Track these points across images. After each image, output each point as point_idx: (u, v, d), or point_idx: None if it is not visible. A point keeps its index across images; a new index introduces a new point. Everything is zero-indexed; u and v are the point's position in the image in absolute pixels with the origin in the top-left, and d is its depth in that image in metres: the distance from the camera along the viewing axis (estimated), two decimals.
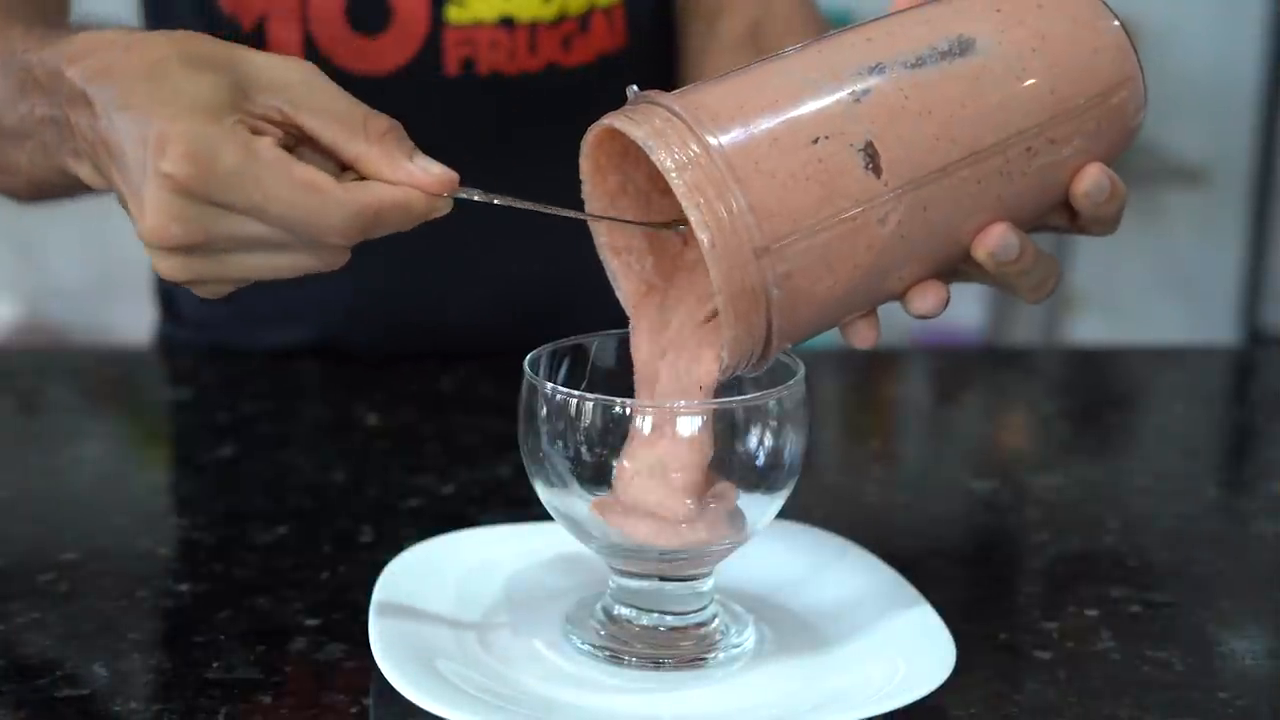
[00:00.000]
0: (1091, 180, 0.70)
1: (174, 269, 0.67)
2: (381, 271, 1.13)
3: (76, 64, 0.69)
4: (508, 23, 1.06)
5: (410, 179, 0.67)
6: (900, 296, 0.70)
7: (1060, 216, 0.72)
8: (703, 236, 0.64)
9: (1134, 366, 1.28)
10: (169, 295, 1.24)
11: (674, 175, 0.64)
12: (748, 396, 0.70)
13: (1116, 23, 0.70)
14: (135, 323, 2.16)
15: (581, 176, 0.71)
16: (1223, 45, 2.82)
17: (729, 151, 0.64)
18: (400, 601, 0.73)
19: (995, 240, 0.68)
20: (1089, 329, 2.92)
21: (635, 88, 0.69)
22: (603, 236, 0.73)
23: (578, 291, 1.17)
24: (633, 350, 0.72)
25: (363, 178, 0.67)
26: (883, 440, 1.11)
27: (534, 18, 1.06)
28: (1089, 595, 0.81)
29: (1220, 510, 0.97)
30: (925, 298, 0.70)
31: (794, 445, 0.71)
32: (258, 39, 1.06)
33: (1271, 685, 0.73)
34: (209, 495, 0.93)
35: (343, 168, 0.67)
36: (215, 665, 0.71)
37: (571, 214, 0.70)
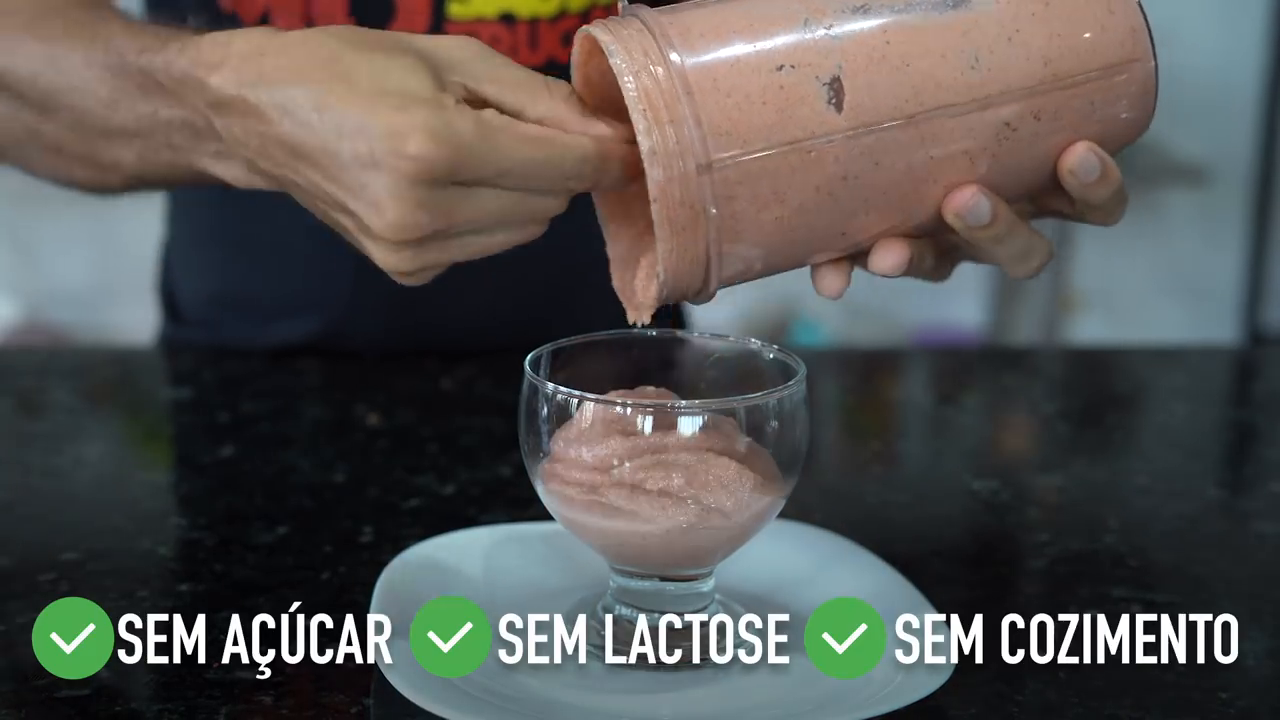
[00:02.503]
0: (1078, 157, 0.68)
1: (403, 261, 0.68)
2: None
3: (220, 70, 0.69)
4: (508, 18, 1.06)
5: (601, 131, 0.68)
6: (865, 250, 0.69)
7: (1058, 200, 0.71)
8: (644, 142, 0.64)
9: (1134, 366, 1.28)
10: (170, 295, 1.24)
11: (627, 79, 0.65)
12: (748, 396, 0.70)
13: (1136, 1, 0.68)
14: (136, 323, 2.16)
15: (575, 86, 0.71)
16: (1223, 45, 2.82)
17: (688, 65, 0.65)
18: (401, 602, 0.72)
19: (963, 201, 0.67)
20: (1090, 329, 2.92)
21: (626, 1, 0.69)
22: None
23: (578, 291, 1.17)
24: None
25: None
26: (883, 440, 1.11)
27: (534, 13, 1.06)
28: (1089, 595, 0.81)
29: (1220, 510, 0.97)
30: (884, 255, 0.69)
31: (794, 445, 0.71)
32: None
33: (1271, 685, 0.73)
34: (209, 495, 0.93)
35: None
36: (215, 665, 0.71)
37: None
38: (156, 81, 0.74)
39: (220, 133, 0.71)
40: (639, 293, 0.71)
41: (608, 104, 0.71)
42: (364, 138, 0.65)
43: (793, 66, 0.65)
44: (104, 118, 0.79)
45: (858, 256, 0.70)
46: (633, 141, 0.66)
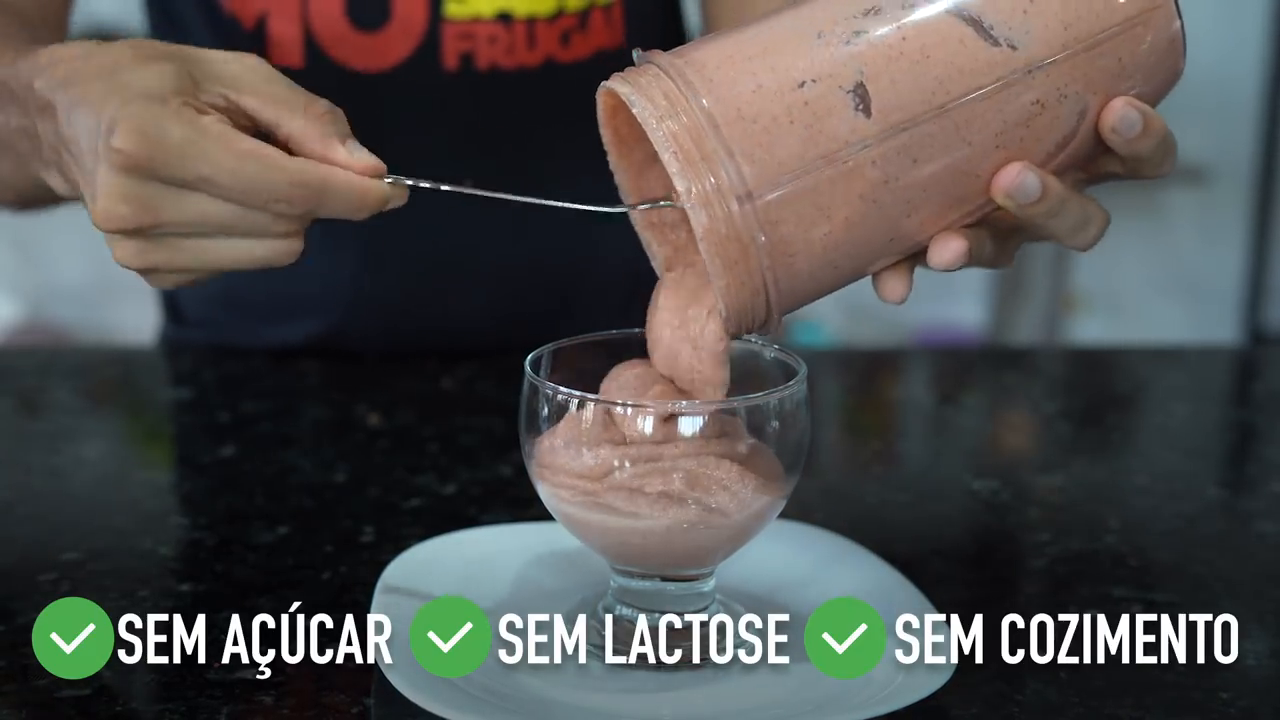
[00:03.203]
0: (1117, 114, 0.67)
1: (129, 255, 0.68)
2: (383, 268, 1.13)
3: (42, 75, 0.71)
4: (505, 18, 1.07)
5: (336, 159, 0.68)
6: (923, 248, 0.68)
7: (1109, 162, 0.71)
8: (680, 184, 0.64)
9: (1135, 366, 1.28)
10: (171, 295, 1.24)
11: (653, 125, 0.65)
12: (748, 396, 0.70)
13: None
14: (136, 323, 2.16)
15: (605, 146, 0.71)
16: (1224, 45, 2.82)
17: (710, 100, 0.65)
18: (401, 602, 0.73)
19: (1010, 180, 0.66)
20: (1090, 329, 2.92)
21: (640, 50, 0.69)
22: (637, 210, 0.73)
23: (578, 291, 1.17)
24: (652, 329, 0.72)
25: None
26: (883, 440, 1.11)
27: (531, 13, 1.07)
28: (1089, 595, 0.81)
29: (1221, 510, 0.97)
30: (942, 249, 0.68)
31: (795, 445, 0.71)
32: (258, 36, 1.06)
33: (1272, 685, 0.73)
34: (210, 495, 0.93)
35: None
36: (216, 665, 0.71)
37: (526, 200, 0.71)
38: (9, 90, 0.75)
39: (40, 136, 0.72)
40: (708, 337, 0.70)
41: (644, 154, 0.71)
42: (94, 131, 0.67)
43: (814, 81, 0.65)
44: None
45: (917, 256, 0.69)
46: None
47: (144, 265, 0.69)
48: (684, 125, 0.64)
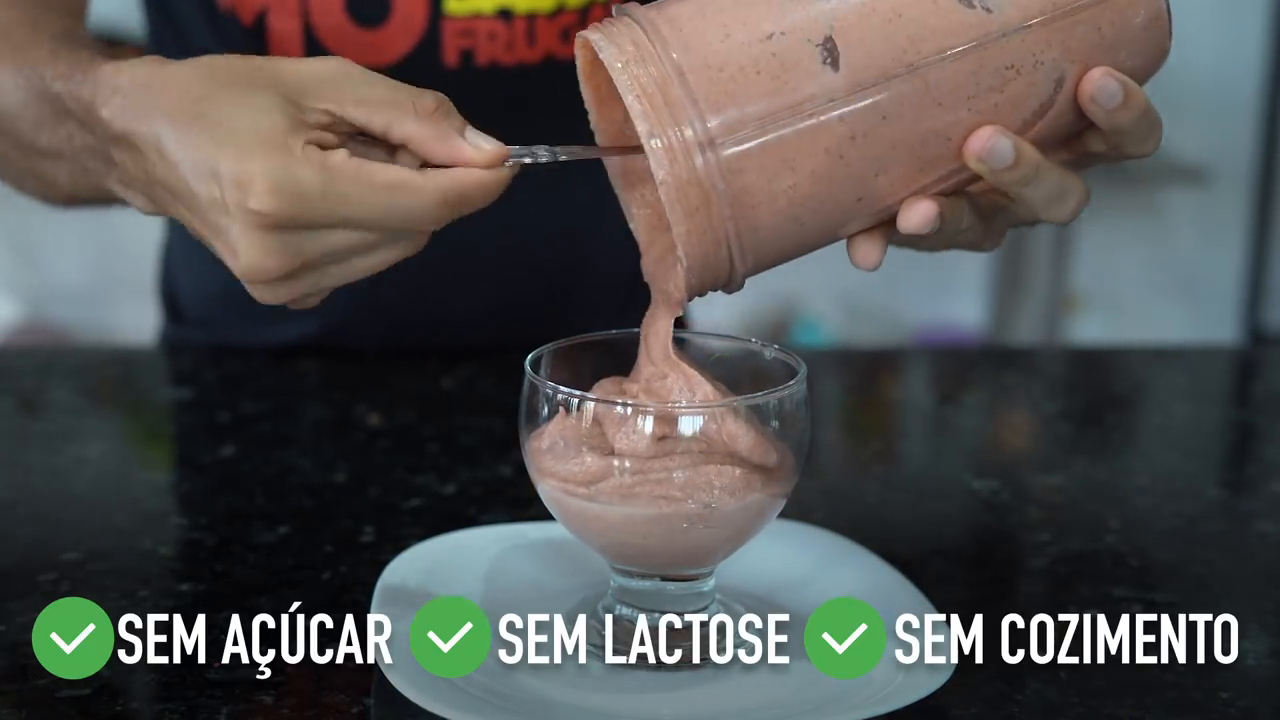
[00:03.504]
0: (1096, 84, 0.67)
1: (275, 295, 0.69)
2: None
3: (108, 105, 0.70)
4: (505, 14, 1.07)
5: (461, 157, 0.68)
6: (893, 214, 0.68)
7: (1092, 139, 0.70)
8: (642, 128, 0.64)
9: (1135, 366, 1.28)
10: (171, 294, 1.24)
11: (618, 70, 0.65)
12: (748, 396, 0.70)
13: None
14: (136, 322, 2.16)
15: (586, 105, 0.71)
16: (1223, 45, 2.82)
17: (678, 48, 0.65)
18: (401, 601, 0.73)
19: (981, 144, 0.66)
20: (1090, 329, 2.92)
21: (618, 4, 0.69)
22: (615, 168, 0.73)
23: (578, 290, 1.17)
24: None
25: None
26: (883, 440, 1.11)
27: (531, 9, 1.07)
28: (1090, 595, 0.81)
29: (1221, 510, 0.97)
30: (910, 213, 0.67)
31: (795, 445, 0.71)
32: (257, 32, 1.06)
33: (1272, 685, 0.73)
34: (210, 495, 0.93)
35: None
36: (216, 665, 0.71)
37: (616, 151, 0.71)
38: (67, 108, 0.75)
39: (117, 163, 0.72)
40: (671, 288, 0.71)
41: (623, 112, 0.71)
42: (216, 183, 0.66)
43: (783, 33, 0.65)
44: (33, 138, 0.80)
45: (891, 225, 0.69)
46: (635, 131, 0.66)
47: (290, 298, 0.69)
48: (650, 72, 0.65)
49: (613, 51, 0.66)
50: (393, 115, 0.67)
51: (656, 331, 0.71)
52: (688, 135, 0.64)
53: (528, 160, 0.69)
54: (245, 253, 0.66)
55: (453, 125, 0.68)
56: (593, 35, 0.67)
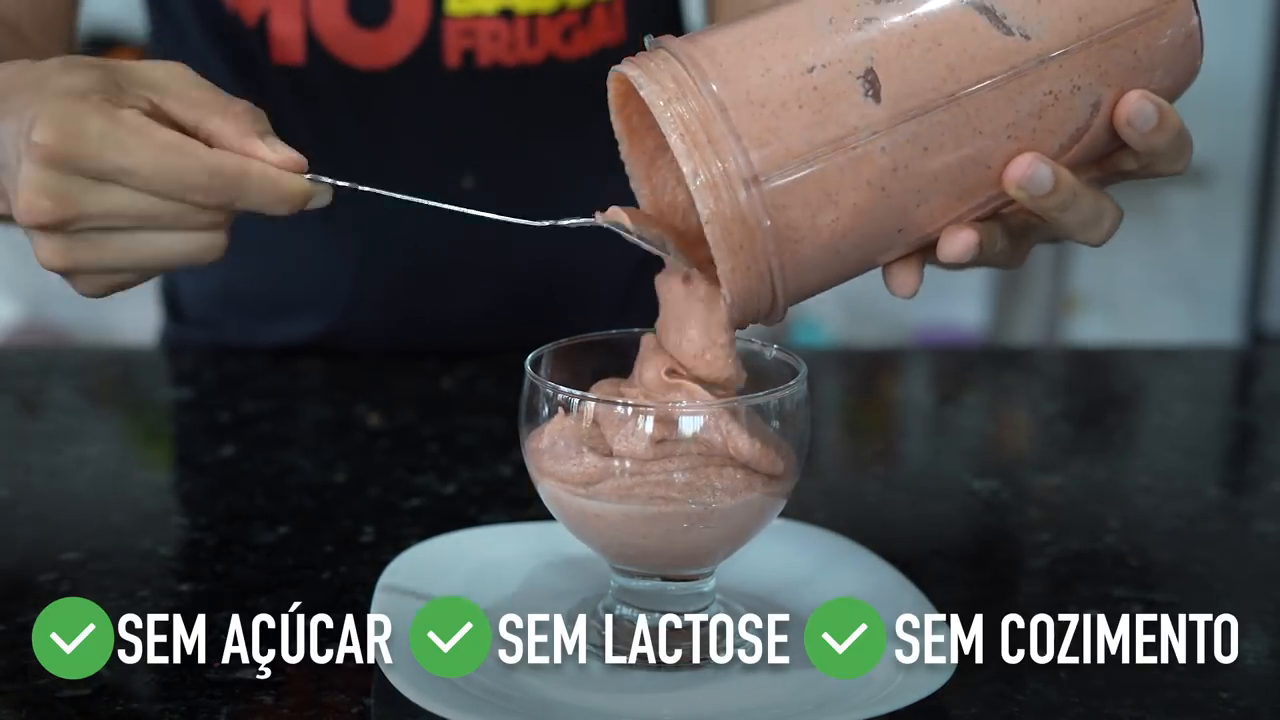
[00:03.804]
0: (1132, 107, 0.67)
1: (52, 253, 0.69)
2: (382, 264, 1.13)
3: None
4: (507, 14, 1.07)
5: (255, 152, 0.69)
6: (933, 242, 0.68)
7: (1124, 158, 0.70)
8: (686, 166, 0.64)
9: (1135, 366, 1.28)
10: (171, 294, 1.24)
11: (660, 107, 0.65)
12: (748, 396, 0.70)
13: None
14: (136, 322, 2.16)
15: (616, 136, 0.71)
16: (1224, 45, 2.82)
17: (719, 84, 0.65)
18: (402, 601, 0.73)
19: (1022, 171, 0.66)
20: (1090, 329, 2.92)
21: (651, 35, 0.69)
22: (626, 146, 0.73)
23: (578, 290, 1.17)
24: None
25: None
26: (883, 440, 1.11)
27: (533, 9, 1.07)
28: (1090, 595, 0.81)
29: (1221, 510, 0.97)
30: (951, 242, 0.67)
31: (795, 445, 0.71)
32: (260, 33, 1.06)
33: (1272, 685, 0.73)
34: (210, 495, 0.93)
35: None
36: (216, 665, 0.71)
37: (436, 205, 0.72)
38: None
39: None
40: (714, 325, 0.70)
41: (655, 144, 0.71)
42: (16, 134, 0.68)
43: (824, 66, 0.65)
44: None
45: (927, 250, 0.69)
46: None
47: (68, 264, 0.69)
48: (691, 109, 0.64)
49: (654, 89, 0.65)
50: (203, 112, 0.69)
51: (651, 365, 0.71)
52: (731, 171, 0.64)
53: (327, 181, 0.70)
54: (22, 189, 0.67)
55: (255, 127, 0.70)
56: (630, 71, 0.66)
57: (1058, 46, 0.66)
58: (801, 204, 0.65)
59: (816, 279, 0.67)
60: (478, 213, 0.71)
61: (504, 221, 0.71)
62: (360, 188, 0.71)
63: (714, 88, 0.64)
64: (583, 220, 0.71)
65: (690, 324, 0.70)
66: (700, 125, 0.64)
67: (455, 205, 0.71)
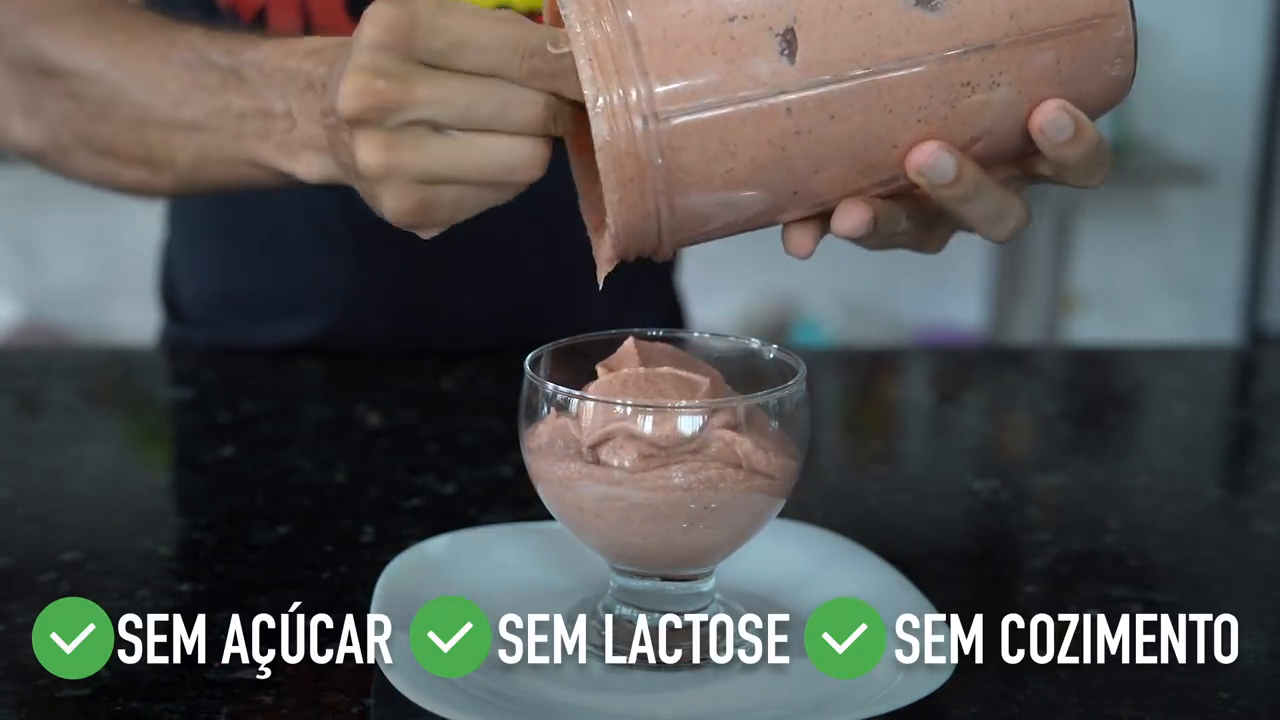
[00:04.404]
0: (1047, 115, 0.66)
1: (372, 150, 0.68)
2: (382, 266, 1.13)
3: (311, 59, 0.75)
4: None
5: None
6: (829, 209, 0.68)
7: (1041, 162, 0.70)
8: (589, 91, 0.64)
9: (1135, 366, 1.28)
10: (171, 294, 1.24)
11: (576, 29, 0.65)
12: (748, 396, 0.70)
13: None
14: (136, 322, 2.16)
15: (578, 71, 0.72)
16: (1224, 45, 2.82)
17: (637, 15, 0.65)
18: (402, 601, 0.72)
19: (924, 158, 0.66)
20: (1090, 329, 2.92)
21: None
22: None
23: (578, 290, 1.17)
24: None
25: None
26: (883, 440, 1.11)
27: (530, 7, 1.07)
28: (1090, 595, 0.81)
29: (1221, 510, 0.97)
30: (844, 216, 0.67)
31: (795, 445, 0.71)
32: (257, 29, 1.06)
33: (1272, 685, 0.73)
34: (210, 495, 0.93)
35: None
36: (215, 665, 0.71)
37: None
38: (241, 76, 0.79)
39: (296, 118, 0.75)
40: (597, 251, 0.71)
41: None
42: (358, 33, 0.68)
43: (745, 18, 0.65)
44: (169, 113, 0.83)
45: (828, 219, 0.69)
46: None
47: (388, 163, 0.68)
48: (606, 35, 0.65)
49: (574, 9, 0.66)
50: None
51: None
52: (631, 104, 0.64)
53: None
54: (351, 75, 0.66)
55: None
56: None
57: (984, 39, 0.65)
58: (698, 149, 0.64)
59: (705, 226, 0.67)
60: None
61: None
62: None
63: (631, 17, 0.65)
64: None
65: None
66: (611, 52, 0.64)
67: None
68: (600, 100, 0.64)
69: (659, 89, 0.64)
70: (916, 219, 0.71)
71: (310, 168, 0.76)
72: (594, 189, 0.72)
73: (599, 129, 0.64)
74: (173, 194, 0.96)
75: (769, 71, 0.64)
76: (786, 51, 0.64)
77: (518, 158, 0.69)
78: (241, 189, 0.85)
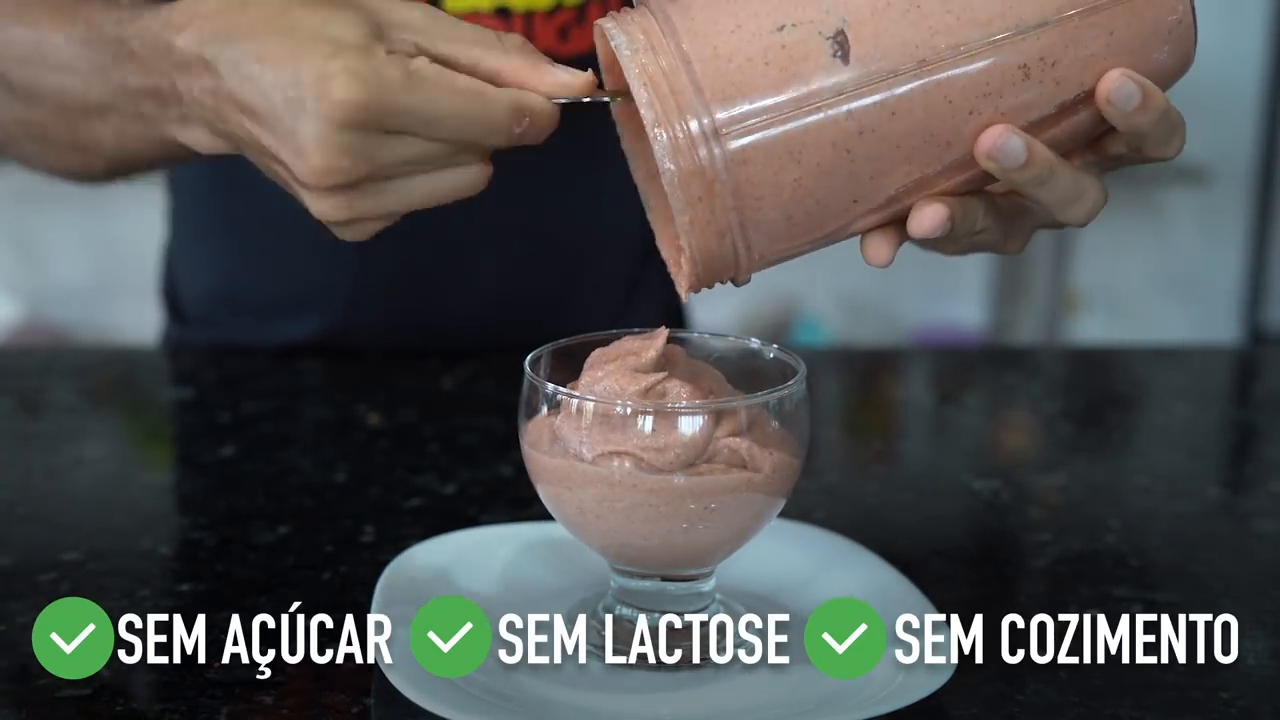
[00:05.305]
0: (1113, 85, 0.65)
1: (334, 209, 0.68)
2: (382, 265, 1.13)
3: (185, 31, 0.70)
4: (503, 11, 1.07)
5: (557, 81, 0.69)
6: (904, 212, 0.67)
7: (1113, 142, 0.69)
8: (647, 115, 0.64)
9: (1135, 366, 1.28)
10: (172, 294, 1.24)
11: (627, 57, 0.65)
12: (748, 397, 0.70)
13: None
14: (137, 322, 2.16)
15: (610, 97, 0.72)
16: (1223, 45, 2.82)
17: (687, 37, 0.65)
18: (402, 601, 0.72)
19: (992, 142, 0.65)
20: (1090, 328, 2.92)
21: None
22: (636, 162, 0.73)
23: (578, 290, 1.17)
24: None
25: None
26: (884, 440, 1.11)
27: (529, 7, 1.07)
28: (1090, 595, 0.81)
29: (1221, 510, 0.97)
30: (920, 216, 0.67)
31: (795, 445, 0.71)
32: None
33: (1272, 685, 0.73)
34: (210, 495, 0.93)
35: None
36: (216, 665, 0.71)
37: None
38: (129, 50, 0.75)
39: (182, 94, 0.72)
40: (675, 273, 0.71)
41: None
42: (294, 85, 0.66)
43: (794, 25, 0.65)
44: (83, 95, 0.80)
45: (904, 224, 0.68)
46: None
47: (350, 216, 0.68)
48: (658, 60, 0.65)
49: (623, 40, 0.66)
50: (480, 50, 0.68)
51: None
52: (692, 126, 0.64)
53: (604, 98, 0.70)
54: (318, 152, 0.65)
55: (538, 56, 0.69)
56: (607, 24, 0.68)
57: (1036, 19, 0.65)
58: (763, 160, 0.65)
59: (782, 242, 0.67)
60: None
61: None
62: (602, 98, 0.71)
63: (682, 40, 0.65)
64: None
65: None
66: (664, 76, 0.65)
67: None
68: (658, 123, 0.64)
69: (715, 106, 0.64)
70: (994, 216, 0.70)
71: (202, 142, 0.74)
72: (669, 228, 0.72)
73: (661, 153, 0.64)
74: (113, 177, 0.93)
75: (824, 75, 0.64)
76: (839, 54, 0.64)
77: (467, 183, 0.70)
78: (177, 164, 0.82)
